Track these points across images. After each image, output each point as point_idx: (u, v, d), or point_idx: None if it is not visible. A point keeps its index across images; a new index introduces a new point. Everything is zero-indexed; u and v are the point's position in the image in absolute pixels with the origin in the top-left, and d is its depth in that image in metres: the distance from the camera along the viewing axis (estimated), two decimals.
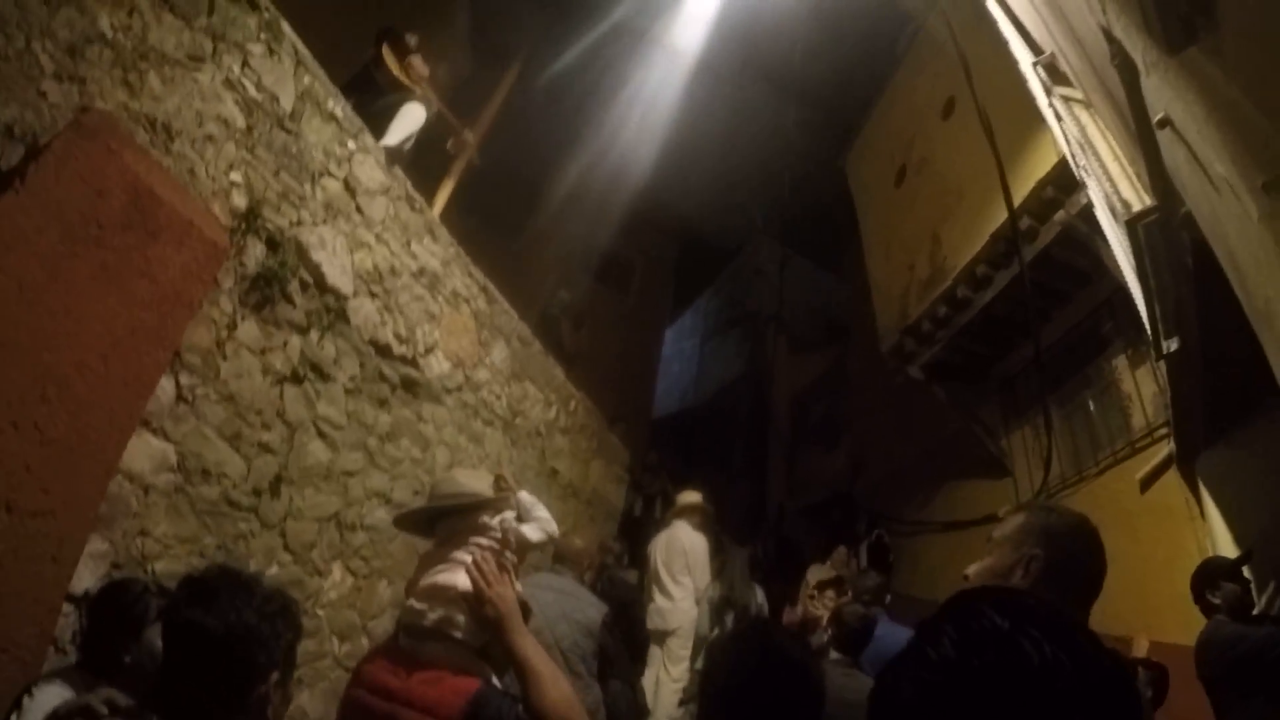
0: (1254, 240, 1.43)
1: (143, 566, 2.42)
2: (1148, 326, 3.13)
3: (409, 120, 4.44)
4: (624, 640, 3.08)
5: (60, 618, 2.11)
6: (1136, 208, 2.58)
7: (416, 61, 4.74)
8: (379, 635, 3.54)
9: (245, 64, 2.83)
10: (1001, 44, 3.84)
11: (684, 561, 5.21)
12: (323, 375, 3.29)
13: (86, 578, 2.20)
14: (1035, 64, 3.29)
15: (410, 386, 3.95)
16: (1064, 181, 4.70)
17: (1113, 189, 2.76)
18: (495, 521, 1.59)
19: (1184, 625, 3.34)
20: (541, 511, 1.67)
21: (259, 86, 2.90)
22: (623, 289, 11.43)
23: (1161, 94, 1.73)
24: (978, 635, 0.58)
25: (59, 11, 2.12)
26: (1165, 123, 1.78)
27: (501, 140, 6.56)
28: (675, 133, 9.01)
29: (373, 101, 4.27)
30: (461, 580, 1.46)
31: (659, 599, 5.13)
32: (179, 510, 2.58)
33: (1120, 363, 5.25)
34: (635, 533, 7.12)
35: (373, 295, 3.62)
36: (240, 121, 2.81)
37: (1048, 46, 3.19)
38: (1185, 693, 3.00)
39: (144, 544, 2.45)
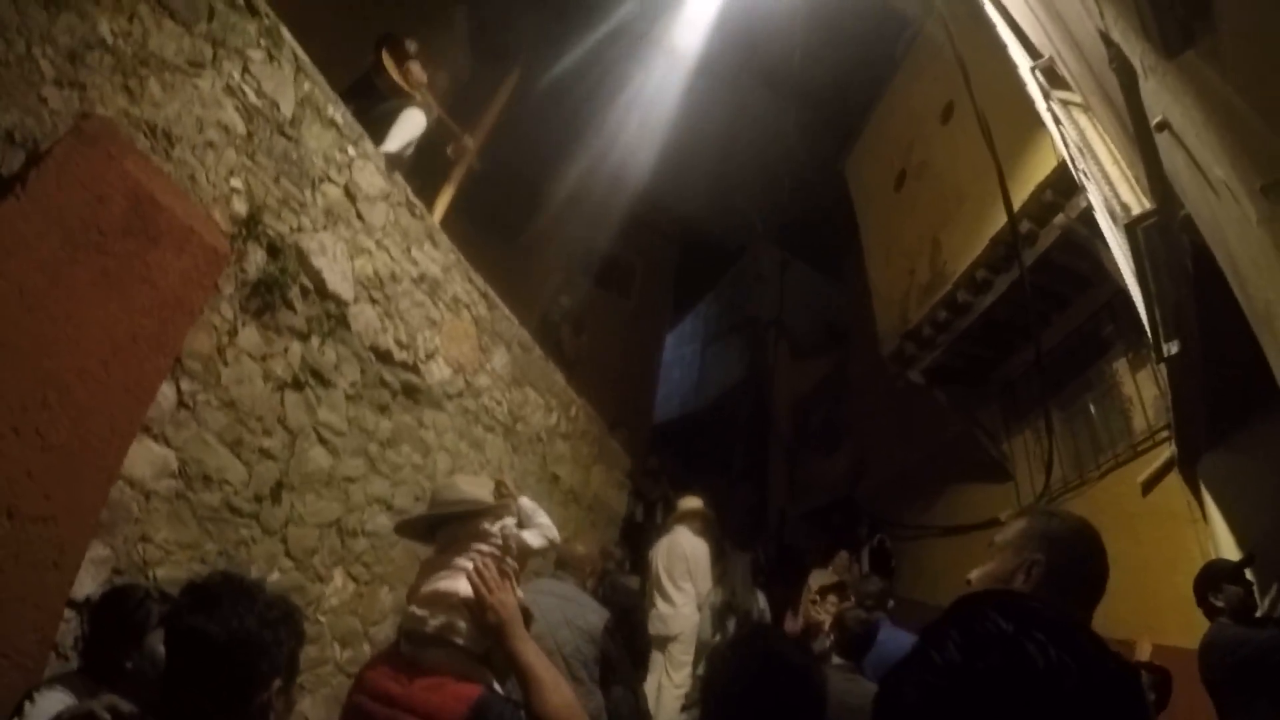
0: (1253, 243, 1.43)
1: (144, 572, 2.42)
2: (1148, 329, 3.13)
3: (409, 126, 4.45)
4: (626, 646, 3.06)
5: (62, 623, 2.10)
6: (1136, 211, 2.58)
7: (416, 67, 4.75)
8: (381, 641, 3.53)
9: (245, 70, 2.84)
10: (999, 48, 3.85)
11: (685, 567, 5.21)
12: (324, 381, 3.28)
13: (88, 583, 2.20)
14: (1033, 68, 3.30)
15: (411, 392, 3.95)
16: (1063, 185, 4.69)
17: (1112, 192, 2.77)
18: (496, 528, 1.59)
19: (1186, 628, 3.34)
20: (542, 517, 1.67)
21: (259, 92, 2.91)
22: (623, 293, 11.38)
23: (1160, 97, 1.73)
24: (982, 638, 0.57)
25: (59, 17, 2.13)
26: (1164, 126, 1.79)
27: (501, 143, 6.56)
28: (675, 135, 8.99)
29: (373, 107, 4.28)
30: (463, 586, 1.46)
31: (661, 604, 5.12)
32: (180, 516, 2.58)
33: (1121, 366, 5.24)
34: (637, 538, 7.09)
35: (373, 301, 3.63)
36: (240, 127, 2.81)
37: (1046, 50, 3.19)
38: (1188, 696, 2.99)
39: (145, 550, 2.44)
